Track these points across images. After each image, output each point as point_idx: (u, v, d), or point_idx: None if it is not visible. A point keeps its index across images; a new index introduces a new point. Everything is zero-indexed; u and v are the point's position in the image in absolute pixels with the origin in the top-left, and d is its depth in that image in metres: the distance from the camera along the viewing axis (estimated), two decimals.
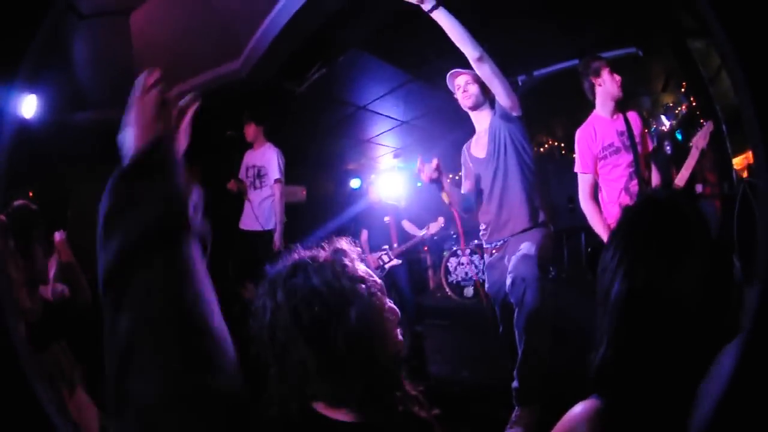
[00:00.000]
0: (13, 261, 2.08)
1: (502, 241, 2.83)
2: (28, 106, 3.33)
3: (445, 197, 2.85)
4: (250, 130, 4.42)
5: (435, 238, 6.64)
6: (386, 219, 5.51)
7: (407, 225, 5.59)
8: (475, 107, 2.93)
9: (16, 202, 2.43)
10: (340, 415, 1.02)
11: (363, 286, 1.07)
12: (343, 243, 1.17)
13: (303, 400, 1.03)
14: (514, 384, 2.57)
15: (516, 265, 2.58)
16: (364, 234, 5.51)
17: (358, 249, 1.19)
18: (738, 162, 4.53)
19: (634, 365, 0.85)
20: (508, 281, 2.60)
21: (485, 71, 2.60)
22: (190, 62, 4.05)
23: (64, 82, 3.76)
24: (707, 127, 3.21)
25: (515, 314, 2.55)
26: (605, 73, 3.06)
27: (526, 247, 2.62)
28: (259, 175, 4.39)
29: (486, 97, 2.89)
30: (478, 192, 2.96)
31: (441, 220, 5.44)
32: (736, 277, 0.88)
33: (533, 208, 2.77)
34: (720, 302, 0.85)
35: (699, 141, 3.16)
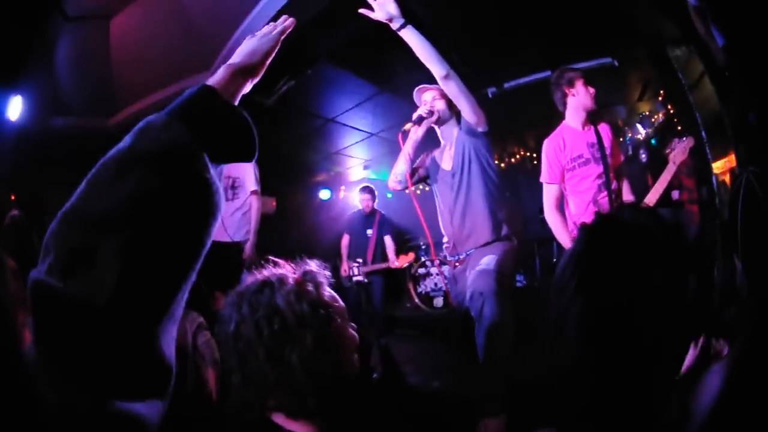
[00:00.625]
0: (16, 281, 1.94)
1: (464, 254, 2.86)
2: (14, 107, 3.23)
3: (410, 129, 2.91)
4: None
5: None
6: (369, 232, 5.57)
7: (388, 242, 5.61)
8: (441, 123, 2.97)
9: (12, 213, 2.30)
10: (297, 427, 1.07)
11: (323, 311, 1.12)
12: (313, 266, 1.23)
13: (262, 409, 1.08)
14: (479, 395, 2.58)
15: (474, 279, 2.60)
16: (346, 238, 5.61)
17: (327, 273, 1.24)
18: (718, 166, 4.49)
19: (591, 394, 0.82)
20: (467, 295, 2.62)
21: (452, 88, 2.64)
22: (163, 72, 4.02)
23: (47, 85, 3.69)
24: (687, 142, 3.08)
25: (475, 328, 2.57)
26: (579, 84, 3.05)
27: (486, 261, 2.64)
28: (233, 186, 4.33)
29: (452, 111, 2.93)
30: (441, 206, 3.00)
31: (411, 255, 5.59)
32: (730, 284, 0.84)
33: (496, 222, 2.80)
34: (691, 323, 0.80)
35: (677, 156, 3.05)
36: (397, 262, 5.45)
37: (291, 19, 1.19)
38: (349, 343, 1.18)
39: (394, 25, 2.49)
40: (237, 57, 1.02)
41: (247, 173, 4.29)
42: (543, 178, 3.16)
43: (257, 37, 1.09)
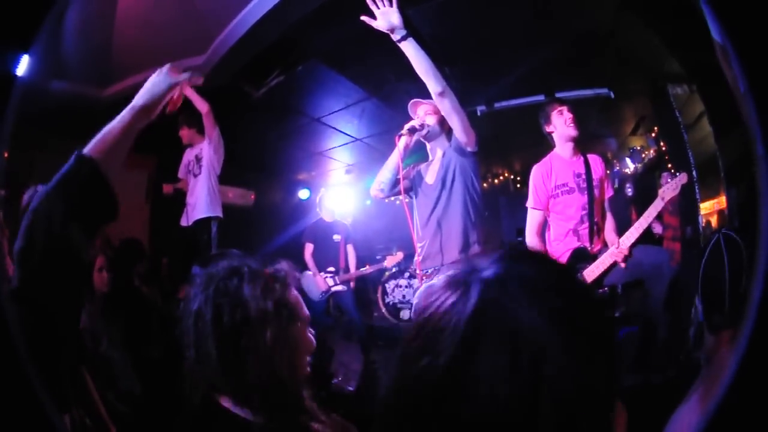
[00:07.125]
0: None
1: (432, 269, 2.85)
2: (22, 65, 3.15)
3: (404, 136, 2.85)
4: (185, 133, 4.26)
5: (394, 270, 6.56)
6: (336, 237, 5.35)
7: (350, 251, 5.42)
8: (430, 138, 2.95)
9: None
10: (242, 413, 1.09)
11: (286, 312, 1.14)
12: (285, 265, 1.24)
13: (209, 389, 1.11)
14: None
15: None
16: (309, 247, 5.30)
17: (298, 274, 1.26)
18: (706, 207, 4.54)
19: None
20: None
21: (446, 106, 2.61)
22: (159, 50, 3.96)
23: (53, 46, 3.60)
24: (680, 178, 2.94)
25: None
26: (553, 116, 3.05)
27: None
28: (197, 159, 4.23)
29: (442, 128, 2.90)
30: (418, 219, 2.98)
31: (400, 254, 5.40)
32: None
33: (467, 242, 2.78)
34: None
35: (667, 191, 2.92)
36: (387, 262, 5.35)
37: (200, 78, 1.41)
38: (306, 347, 1.20)
39: (395, 37, 2.46)
40: (139, 98, 1.23)
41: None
42: (529, 203, 3.18)
43: (158, 77, 1.27)
